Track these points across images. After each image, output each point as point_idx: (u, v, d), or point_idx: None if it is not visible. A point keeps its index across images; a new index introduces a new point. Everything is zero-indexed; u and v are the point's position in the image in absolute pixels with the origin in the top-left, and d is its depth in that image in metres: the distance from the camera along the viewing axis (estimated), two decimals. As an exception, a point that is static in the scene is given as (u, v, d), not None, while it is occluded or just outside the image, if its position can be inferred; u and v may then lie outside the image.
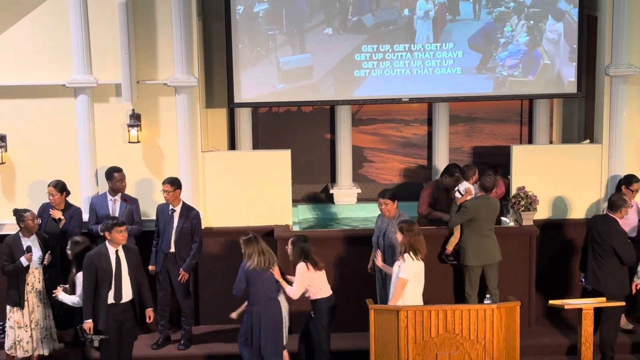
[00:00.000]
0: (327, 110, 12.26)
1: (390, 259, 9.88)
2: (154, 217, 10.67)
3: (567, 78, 11.38)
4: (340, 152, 12.18)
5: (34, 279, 9.93)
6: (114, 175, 10.58)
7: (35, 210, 10.22)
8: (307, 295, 9.61)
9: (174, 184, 10.41)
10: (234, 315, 9.83)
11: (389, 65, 11.27)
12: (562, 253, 11.09)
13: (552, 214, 11.29)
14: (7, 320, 10.04)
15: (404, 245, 9.32)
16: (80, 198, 10.95)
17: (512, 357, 9.28)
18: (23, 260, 9.86)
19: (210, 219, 11.16)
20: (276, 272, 9.46)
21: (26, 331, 9.93)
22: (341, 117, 12.11)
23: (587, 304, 9.71)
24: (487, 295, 10.12)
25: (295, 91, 11.27)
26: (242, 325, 9.58)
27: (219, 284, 10.90)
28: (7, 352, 10.03)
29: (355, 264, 10.50)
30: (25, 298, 9.91)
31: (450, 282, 10.86)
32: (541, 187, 11.08)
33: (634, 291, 10.09)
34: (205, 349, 10.67)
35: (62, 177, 10.66)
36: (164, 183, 10.44)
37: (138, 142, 10.87)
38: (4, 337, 10.30)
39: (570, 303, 9.83)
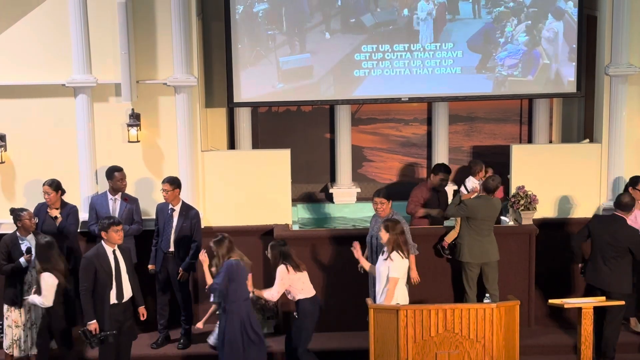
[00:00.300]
0: (326, 110, 12.26)
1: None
2: (153, 216, 10.67)
3: (567, 78, 11.39)
4: (340, 151, 12.18)
5: (32, 279, 9.93)
6: (114, 174, 10.58)
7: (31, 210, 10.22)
8: (289, 296, 9.66)
9: (173, 183, 10.42)
10: (200, 325, 9.77)
11: (389, 65, 11.28)
12: (562, 252, 11.10)
13: (552, 213, 11.29)
14: (4, 319, 10.04)
15: (390, 244, 9.38)
16: (80, 197, 10.95)
17: (511, 356, 9.28)
18: (22, 261, 9.86)
19: (209, 219, 11.16)
20: (249, 281, 9.52)
21: (23, 330, 9.94)
22: (341, 117, 12.12)
23: (587, 304, 9.71)
24: (487, 295, 10.12)
25: (294, 91, 11.27)
26: (221, 324, 9.52)
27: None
28: (6, 351, 10.03)
29: (355, 263, 10.48)
30: (23, 297, 9.91)
31: (449, 280, 10.87)
32: (541, 187, 11.09)
33: None
34: (204, 348, 10.66)
35: (61, 177, 10.67)
36: (163, 182, 10.45)
37: (138, 141, 10.87)
38: (1, 337, 10.31)
39: (570, 302, 9.83)
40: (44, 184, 10.37)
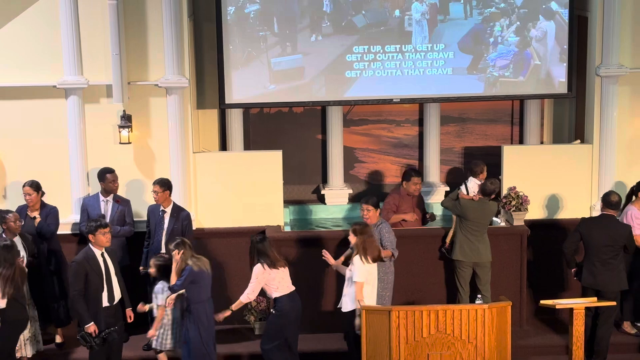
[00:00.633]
0: (318, 111, 12.26)
1: None
2: (145, 218, 10.65)
3: (558, 78, 11.41)
4: (332, 152, 12.18)
5: None
6: (106, 176, 10.56)
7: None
8: (267, 294, 9.66)
9: (164, 185, 10.40)
10: (152, 332, 9.71)
11: (380, 66, 11.28)
12: (553, 253, 11.12)
13: (543, 214, 11.31)
14: None
15: (356, 248, 9.44)
16: (71, 199, 10.93)
17: (503, 357, 9.29)
18: None
19: (201, 220, 11.15)
20: (223, 314, 9.65)
21: None
22: (332, 118, 12.11)
23: (578, 304, 9.73)
24: (479, 295, 10.15)
25: (286, 92, 11.27)
26: (185, 325, 9.52)
27: (212, 285, 10.88)
28: None
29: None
30: None
31: (443, 281, 10.88)
32: (532, 188, 11.11)
33: None
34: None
35: (53, 178, 10.65)
36: (153, 184, 10.43)
37: (129, 143, 10.86)
38: None
39: (562, 303, 9.84)
40: (24, 185, 10.33)
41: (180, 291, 9.43)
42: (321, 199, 12.32)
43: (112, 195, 10.63)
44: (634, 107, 11.21)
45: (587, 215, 10.92)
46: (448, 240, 10.70)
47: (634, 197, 10.57)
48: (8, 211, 10.02)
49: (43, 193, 10.42)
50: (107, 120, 10.88)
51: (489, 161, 11.50)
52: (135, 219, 10.74)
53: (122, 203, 10.64)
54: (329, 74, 11.25)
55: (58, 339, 10.55)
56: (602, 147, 11.23)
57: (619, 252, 10.00)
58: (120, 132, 10.82)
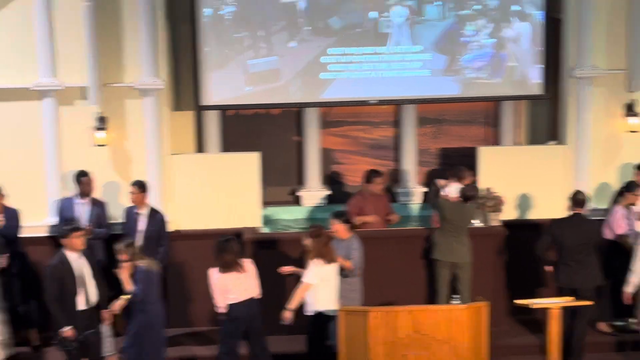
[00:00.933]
0: (294, 113, 12.26)
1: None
2: (121, 220, 10.62)
3: (533, 80, 11.48)
4: (308, 154, 12.18)
5: None
6: (82, 179, 10.53)
7: None
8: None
9: (140, 186, 10.39)
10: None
11: (356, 68, 11.30)
12: (530, 253, 11.16)
13: (519, 214, 11.37)
14: None
15: (312, 251, 9.42)
16: (47, 201, 10.87)
17: (480, 357, 9.32)
18: None
19: (178, 222, 11.12)
20: None
21: None
22: (309, 120, 12.12)
23: (554, 304, 9.79)
24: (456, 296, 10.18)
25: (262, 94, 11.27)
26: (133, 327, 9.50)
27: (188, 287, 10.87)
28: None
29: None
30: None
31: (423, 282, 10.90)
32: (508, 188, 11.17)
33: (628, 300, 10.16)
34: (175, 352, 10.60)
35: (28, 181, 10.60)
36: (131, 185, 10.41)
37: (105, 145, 10.81)
38: None
39: (537, 303, 9.90)
40: None
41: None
42: (298, 201, 12.31)
43: (88, 198, 10.59)
44: (608, 108, 11.30)
45: (564, 215, 10.97)
46: None
47: (619, 198, 10.63)
48: None
49: (3, 196, 10.34)
50: (82, 122, 10.83)
51: (465, 162, 11.56)
52: (111, 221, 10.70)
53: (98, 205, 10.60)
54: (305, 75, 11.26)
55: (33, 342, 10.48)
56: (577, 148, 11.30)
57: (593, 248, 10.08)
58: (95, 134, 10.78)
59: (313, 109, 12.02)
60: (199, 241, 10.86)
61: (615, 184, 11.28)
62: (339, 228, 9.85)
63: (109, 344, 9.88)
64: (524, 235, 11.19)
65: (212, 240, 10.78)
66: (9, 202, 10.41)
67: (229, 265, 9.39)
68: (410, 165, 12.26)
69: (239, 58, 11.15)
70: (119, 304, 9.40)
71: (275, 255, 10.73)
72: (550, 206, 11.23)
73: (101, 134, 10.75)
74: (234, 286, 9.43)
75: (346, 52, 11.24)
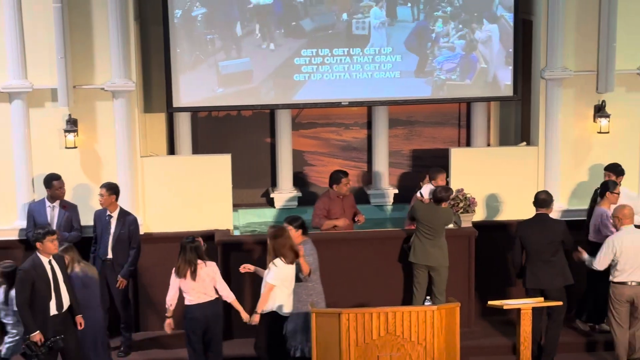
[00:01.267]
0: (267, 114, 12.24)
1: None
2: (92, 223, 10.54)
3: (504, 81, 11.54)
4: (281, 156, 12.17)
5: None
6: (52, 183, 10.44)
7: None
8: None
9: (110, 189, 10.32)
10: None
11: (328, 69, 11.31)
12: (501, 254, 11.23)
13: (491, 215, 11.42)
14: None
15: (273, 251, 9.40)
16: (17, 205, 10.77)
17: (452, 357, 9.35)
18: None
19: (150, 225, 11.06)
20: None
21: None
22: (281, 121, 12.10)
23: (526, 304, 9.84)
24: (428, 297, 10.21)
25: (234, 95, 11.23)
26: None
27: (159, 290, 10.79)
28: None
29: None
30: None
31: (400, 284, 10.92)
32: (479, 189, 11.22)
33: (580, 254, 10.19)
34: (145, 355, 10.57)
35: (-3, 184, 10.49)
36: (100, 187, 10.35)
37: (75, 147, 10.74)
38: None
39: (509, 303, 9.94)
40: None
41: None
42: (270, 203, 12.30)
43: (58, 201, 10.50)
44: (578, 109, 11.38)
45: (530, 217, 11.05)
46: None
47: (599, 199, 10.68)
48: None
49: None
50: (52, 124, 10.74)
51: (437, 163, 11.60)
52: (82, 224, 10.62)
53: (68, 209, 10.52)
54: (277, 77, 11.25)
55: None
56: (547, 149, 11.37)
57: (559, 248, 10.15)
58: (65, 136, 10.69)
59: (285, 111, 12.00)
60: (170, 244, 10.78)
61: (586, 185, 11.37)
62: (292, 234, 9.75)
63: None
64: (495, 236, 11.24)
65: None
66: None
67: (182, 271, 9.41)
68: (382, 167, 12.28)
69: (210, 59, 11.11)
70: None
71: (247, 258, 10.69)
72: (521, 207, 11.28)
73: (71, 136, 10.67)
74: (188, 289, 9.44)
75: (318, 53, 11.24)
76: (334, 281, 10.77)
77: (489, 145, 12.39)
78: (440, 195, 10.47)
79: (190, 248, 9.42)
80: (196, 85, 11.14)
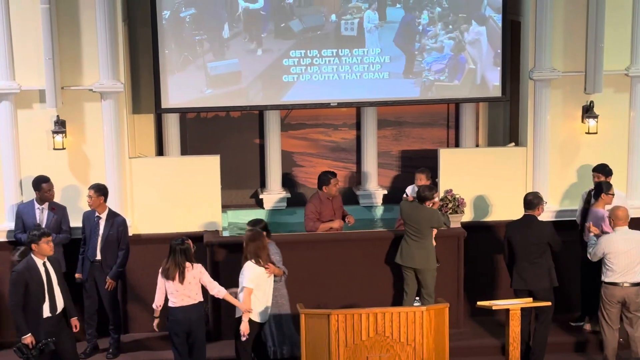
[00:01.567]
0: (255, 115, 12.23)
1: None
2: (81, 224, 10.51)
3: (492, 82, 11.56)
4: (270, 157, 12.16)
5: None
6: (42, 185, 10.42)
7: None
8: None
9: (99, 190, 10.30)
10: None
11: (317, 70, 11.31)
12: (490, 254, 11.25)
13: (479, 216, 11.45)
14: None
15: (248, 254, 9.42)
16: (5, 207, 10.74)
17: (441, 358, 9.37)
18: None
19: (138, 226, 11.04)
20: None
21: None
22: (270, 122, 12.09)
23: (515, 305, 9.86)
24: (417, 298, 10.22)
25: (223, 96, 11.22)
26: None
27: (148, 292, 10.77)
28: None
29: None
30: None
31: (390, 284, 10.92)
32: (468, 190, 11.24)
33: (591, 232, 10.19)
34: (134, 357, 10.55)
35: (-15, 185, 10.44)
36: (89, 189, 10.33)
37: (63, 148, 10.71)
38: None
39: (498, 304, 9.96)
40: None
41: None
42: (259, 203, 12.29)
43: (47, 204, 10.47)
44: (566, 110, 11.42)
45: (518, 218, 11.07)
46: None
47: (593, 200, 10.70)
48: None
49: None
50: (40, 126, 10.71)
51: (425, 164, 11.62)
52: (71, 226, 10.59)
53: (57, 210, 10.50)
54: (266, 78, 11.24)
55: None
56: (535, 150, 11.40)
57: (546, 250, 10.16)
58: (54, 137, 10.66)
59: (274, 112, 11.99)
60: (159, 245, 10.77)
61: (575, 185, 11.40)
62: None
63: None
64: (484, 236, 11.27)
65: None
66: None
67: (171, 274, 9.39)
68: (371, 167, 12.28)
69: (199, 60, 11.09)
70: None
71: (235, 259, 10.67)
72: (510, 208, 11.31)
73: (59, 138, 10.64)
74: (173, 291, 9.42)
75: (307, 55, 11.24)
76: (323, 282, 10.78)
77: (477, 145, 12.41)
78: (424, 194, 10.46)
79: (180, 250, 9.40)
80: (185, 86, 11.12)
